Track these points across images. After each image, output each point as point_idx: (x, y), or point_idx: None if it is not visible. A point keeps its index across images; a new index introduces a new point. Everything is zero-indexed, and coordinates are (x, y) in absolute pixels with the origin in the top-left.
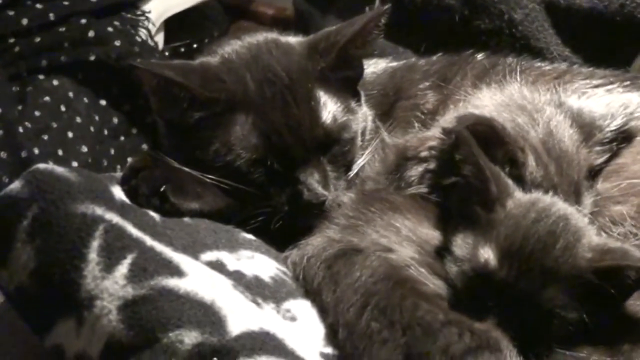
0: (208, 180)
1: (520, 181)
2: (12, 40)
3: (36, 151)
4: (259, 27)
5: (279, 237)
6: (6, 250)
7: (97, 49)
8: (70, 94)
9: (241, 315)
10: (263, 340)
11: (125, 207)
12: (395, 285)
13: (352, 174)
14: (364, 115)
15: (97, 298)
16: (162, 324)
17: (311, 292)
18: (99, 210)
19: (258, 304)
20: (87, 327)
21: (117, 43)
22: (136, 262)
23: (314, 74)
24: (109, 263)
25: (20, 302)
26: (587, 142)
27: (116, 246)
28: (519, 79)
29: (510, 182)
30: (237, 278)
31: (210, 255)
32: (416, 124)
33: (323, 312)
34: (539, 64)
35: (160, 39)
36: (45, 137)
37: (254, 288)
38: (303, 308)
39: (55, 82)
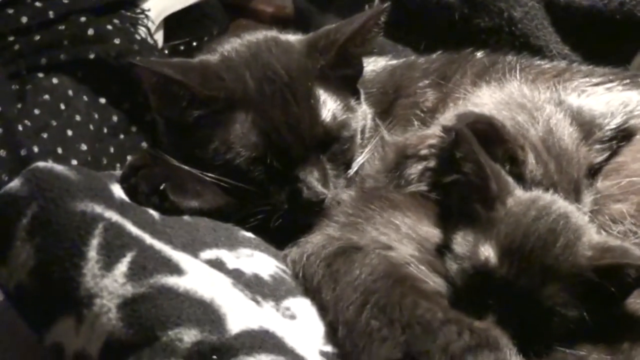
0: (207, 178)
1: (520, 179)
2: (11, 39)
3: (36, 149)
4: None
5: (278, 235)
6: (6, 248)
7: (96, 47)
8: (70, 92)
9: (241, 314)
10: (262, 339)
11: (124, 206)
12: (394, 283)
13: (351, 172)
14: (363, 114)
15: (96, 296)
16: (161, 322)
17: (311, 290)
18: (98, 209)
19: (257, 302)
20: (87, 326)
21: (117, 41)
22: (136, 260)
23: (313, 72)
24: (109, 261)
25: (20, 301)
26: (587, 140)
27: (116, 244)
28: (518, 77)
29: (510, 180)
30: (237, 276)
31: (209, 254)
32: (416, 122)
33: (322, 310)
34: (538, 62)
35: (159, 37)
36: (45, 136)
37: (254, 286)
38: (302, 306)
39: (54, 81)
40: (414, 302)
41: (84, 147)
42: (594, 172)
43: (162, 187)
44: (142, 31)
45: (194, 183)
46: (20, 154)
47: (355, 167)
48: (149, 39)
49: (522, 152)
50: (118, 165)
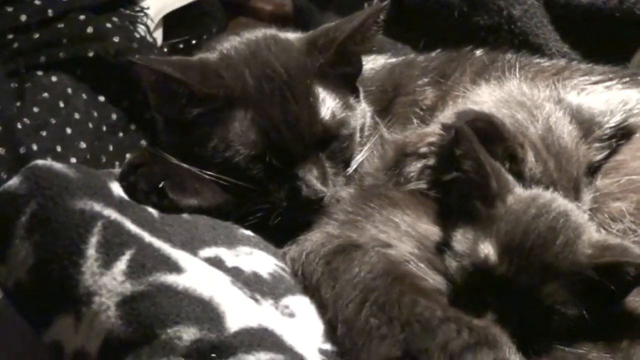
0: (207, 176)
1: (520, 177)
2: (10, 37)
3: (35, 147)
4: (257, 24)
5: (277, 233)
6: (4, 246)
7: (95, 45)
8: (69, 90)
9: (240, 312)
10: (261, 337)
11: (123, 203)
12: (394, 281)
13: (350, 170)
14: (362, 112)
15: (95, 294)
16: (160, 320)
17: (310, 288)
18: (97, 207)
19: (256, 300)
20: (86, 324)
21: (116, 39)
22: (135, 258)
23: (312, 70)
24: (108, 259)
25: (19, 298)
26: (587, 139)
27: (115, 242)
28: (518, 75)
29: (510, 177)
30: (236, 274)
31: (208, 252)
32: (415, 120)
33: (322, 308)
34: (537, 60)
35: (159, 35)
36: (44, 134)
37: (253, 284)
38: (302, 304)
39: (53, 79)
40: (413, 300)
41: (83, 145)
42: (593, 170)
43: (161, 185)
44: (141, 29)
45: (193, 181)
46: (19, 152)
47: (354, 165)
48: (148, 37)
49: (522, 150)
50: (117, 163)
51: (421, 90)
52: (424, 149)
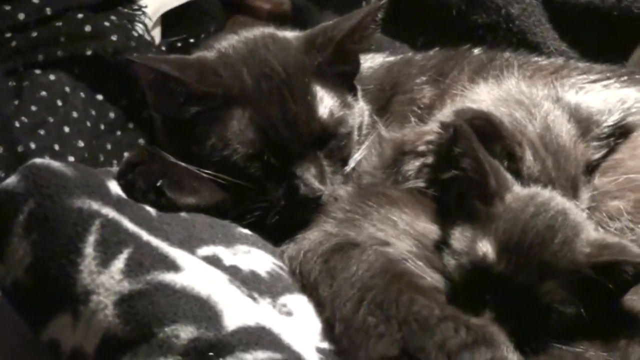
0: (204, 175)
1: (518, 175)
2: (8, 35)
3: (33, 146)
4: (256, 22)
5: (275, 231)
6: (2, 245)
7: (93, 43)
8: (67, 89)
9: (237, 310)
10: (259, 335)
11: (121, 202)
12: (392, 279)
13: (348, 168)
14: (360, 110)
15: (93, 293)
16: (158, 318)
17: (308, 287)
18: (95, 205)
19: (254, 299)
20: (83, 322)
21: (114, 38)
22: (132, 256)
23: (310, 68)
24: (105, 258)
25: (17, 297)
26: (585, 137)
27: (112, 241)
28: (516, 73)
29: (509, 176)
30: (234, 273)
31: (206, 250)
32: (413, 119)
33: (319, 306)
34: (535, 58)
35: (157, 33)
36: (42, 132)
37: (250, 283)
38: (299, 303)
39: (51, 77)
40: (411, 299)
41: (81, 143)
42: (591, 169)
43: (159, 184)
44: (139, 28)
45: (191, 180)
46: (17, 151)
47: (352, 163)
48: (146, 35)
49: (520, 149)
50: (115, 161)
51: (419, 88)
52: (422, 148)
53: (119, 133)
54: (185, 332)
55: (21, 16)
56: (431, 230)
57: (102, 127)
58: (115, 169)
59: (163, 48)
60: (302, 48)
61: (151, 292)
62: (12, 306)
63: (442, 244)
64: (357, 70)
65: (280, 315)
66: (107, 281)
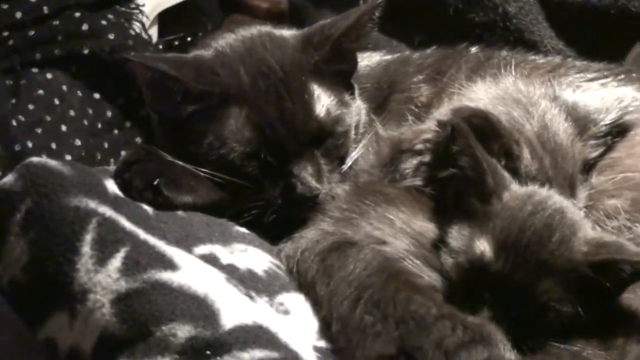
0: (202, 173)
1: (515, 174)
2: (6, 34)
3: (30, 144)
4: (253, 21)
5: (272, 230)
6: None
7: (91, 42)
8: (64, 88)
9: (234, 309)
10: (256, 334)
11: (118, 201)
12: (389, 278)
13: (345, 167)
14: (357, 109)
15: (90, 291)
16: (155, 317)
17: (305, 286)
18: (92, 204)
19: (251, 298)
20: (80, 321)
21: (111, 36)
22: (129, 255)
23: (308, 67)
24: (102, 256)
25: (14, 296)
26: (582, 136)
27: (109, 240)
28: (513, 72)
29: (506, 174)
30: (231, 271)
31: (203, 249)
32: (410, 117)
33: (316, 305)
34: (533, 57)
35: (154, 32)
36: (39, 131)
37: (248, 281)
38: (296, 301)
39: (49, 76)
40: (408, 297)
41: (78, 142)
42: (588, 167)
43: (156, 183)
44: (136, 26)
45: (188, 178)
46: (14, 149)
47: (349, 162)
48: (143, 34)
49: (518, 147)
50: (112, 160)
51: (416, 87)
52: (419, 146)
53: (116, 132)
54: (183, 331)
55: (18, 15)
56: (428, 228)
57: (99, 125)
58: (112, 167)
59: (160, 47)
60: (299, 46)
61: (148, 290)
62: (9, 305)
63: (439, 243)
64: (354, 68)
65: (277, 314)
66: (104, 280)
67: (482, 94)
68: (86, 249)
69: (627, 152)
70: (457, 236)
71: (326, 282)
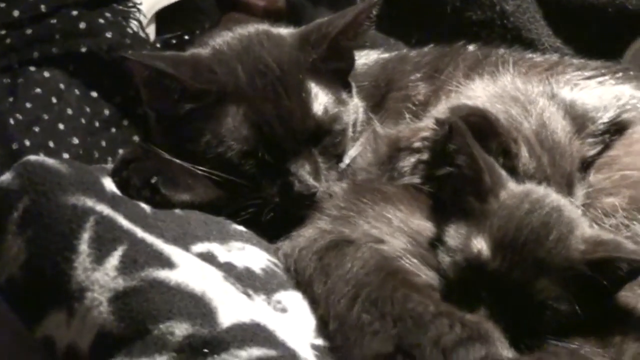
0: (199, 171)
1: (513, 172)
2: (3, 32)
3: (27, 143)
4: (250, 19)
5: (270, 228)
6: None
7: (88, 40)
8: (62, 86)
9: (232, 307)
10: (254, 332)
11: (116, 199)
12: (386, 276)
13: (343, 165)
14: (355, 107)
15: (87, 290)
16: (152, 315)
17: (302, 284)
18: (89, 202)
19: (249, 296)
20: (78, 319)
21: (109, 35)
22: (127, 253)
23: (305, 65)
24: (100, 255)
25: (11, 294)
26: (580, 134)
27: (107, 238)
28: (511, 70)
29: (504, 172)
30: (228, 269)
31: (201, 247)
32: (407, 115)
33: (314, 303)
34: (530, 55)
35: (151, 30)
36: (36, 129)
37: (245, 279)
38: (294, 299)
39: (46, 74)
40: (406, 296)
41: (75, 140)
42: (586, 165)
43: (153, 181)
44: (134, 25)
45: (186, 176)
46: (11, 148)
47: (347, 160)
48: (140, 32)
49: (515, 145)
50: (110, 158)
51: (414, 85)
52: (417, 144)
53: (113, 130)
54: (180, 329)
55: (16, 13)
56: (426, 227)
57: (97, 124)
58: (109, 166)
59: (158, 45)
60: (296, 45)
61: (146, 289)
62: (7, 303)
63: (436, 241)
64: (352, 66)
65: (275, 312)
66: (102, 278)
67: (480, 92)
68: (84, 247)
69: (625, 150)
70: (454, 235)
71: (324, 281)
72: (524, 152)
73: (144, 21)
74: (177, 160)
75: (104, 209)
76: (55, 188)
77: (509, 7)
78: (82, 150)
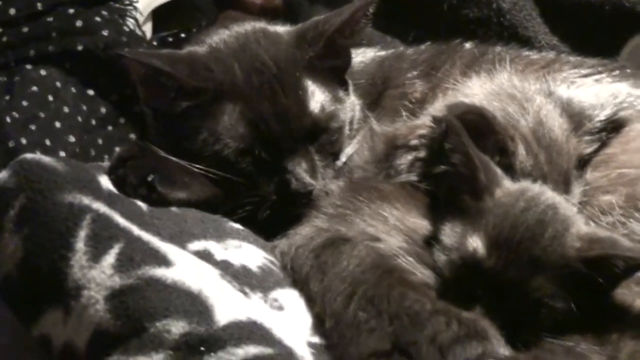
0: (196, 169)
1: (510, 170)
2: None
3: (24, 141)
4: (247, 17)
5: (266, 226)
6: None
7: (84, 38)
8: (58, 84)
9: (228, 305)
10: (250, 330)
11: (112, 197)
12: (383, 274)
13: (340, 163)
14: (352, 105)
15: (84, 288)
16: (149, 313)
17: (299, 282)
18: (86, 200)
19: (245, 294)
20: (74, 317)
21: (105, 33)
22: (123, 251)
23: (302, 63)
24: (96, 253)
25: (8, 292)
26: (577, 132)
27: (103, 236)
28: (508, 67)
29: (499, 171)
30: (225, 267)
31: (197, 245)
32: (404, 113)
33: (310, 301)
34: (527, 52)
35: (148, 28)
36: (33, 127)
37: (242, 277)
38: (290, 297)
39: (42, 72)
40: (402, 294)
41: (72, 138)
42: (583, 163)
43: (150, 179)
44: (130, 23)
45: (182, 174)
46: (8, 146)
47: (343, 158)
48: (137, 30)
49: (513, 143)
50: (106, 156)
51: (410, 83)
52: (414, 142)
53: (110, 128)
54: (177, 327)
55: (12, 11)
56: (422, 225)
57: (93, 122)
58: (106, 164)
59: (154, 43)
60: (293, 42)
61: (142, 287)
62: (3, 301)
63: (432, 240)
64: (348, 64)
65: (271, 310)
66: (98, 276)
67: (477, 90)
68: (80, 245)
69: (621, 148)
70: (449, 233)
71: (320, 278)
72: (521, 150)
73: (141, 19)
74: (174, 158)
75: (100, 207)
76: (52, 186)
77: (506, 5)
78: (79, 148)
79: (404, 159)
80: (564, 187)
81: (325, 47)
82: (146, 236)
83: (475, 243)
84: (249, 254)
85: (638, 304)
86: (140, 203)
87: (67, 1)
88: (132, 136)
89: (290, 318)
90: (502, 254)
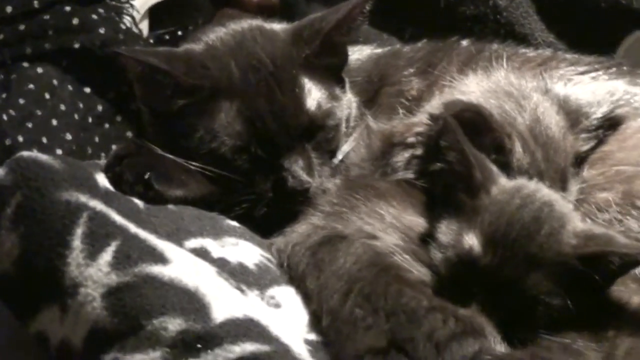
0: (192, 167)
1: (507, 168)
2: None
3: (20, 139)
4: (243, 14)
5: (263, 224)
6: None
7: (81, 36)
8: (55, 82)
9: (225, 302)
10: (247, 327)
11: (109, 195)
12: (379, 272)
13: (336, 160)
14: (348, 102)
15: (81, 285)
16: (146, 311)
17: (295, 279)
18: (82, 198)
19: (242, 291)
20: (71, 315)
21: (102, 31)
22: (120, 249)
23: (298, 60)
24: (93, 250)
25: (4, 290)
26: (574, 129)
27: (100, 233)
28: (505, 65)
29: (494, 168)
30: (221, 265)
31: (194, 242)
32: (401, 111)
33: (307, 298)
34: (523, 50)
35: (144, 26)
36: (30, 125)
37: (238, 275)
38: (287, 295)
39: (39, 70)
40: (399, 291)
41: (68, 136)
42: (580, 161)
43: (146, 176)
44: (127, 20)
45: (179, 172)
46: (4, 144)
47: (340, 155)
48: (134, 28)
49: (509, 141)
50: (103, 154)
51: (407, 80)
52: (411, 139)
53: (106, 126)
54: (173, 324)
55: (8, 9)
56: (418, 223)
57: (90, 119)
58: (103, 161)
59: (151, 41)
60: (289, 40)
61: (139, 284)
62: (0, 298)
63: (429, 237)
64: (345, 62)
65: (268, 307)
66: (95, 274)
67: (473, 87)
68: (77, 242)
69: (618, 146)
70: (445, 231)
71: (316, 276)
72: (518, 148)
73: (137, 17)
74: (171, 156)
75: (97, 204)
76: (49, 184)
77: (502, 2)
78: (76, 146)
79: (401, 157)
80: (561, 184)
81: (322, 44)
82: (143, 234)
83: (471, 240)
84: (246, 251)
85: (634, 300)
86: (137, 201)
87: None
88: (129, 134)
89: (287, 315)
90: (498, 251)
